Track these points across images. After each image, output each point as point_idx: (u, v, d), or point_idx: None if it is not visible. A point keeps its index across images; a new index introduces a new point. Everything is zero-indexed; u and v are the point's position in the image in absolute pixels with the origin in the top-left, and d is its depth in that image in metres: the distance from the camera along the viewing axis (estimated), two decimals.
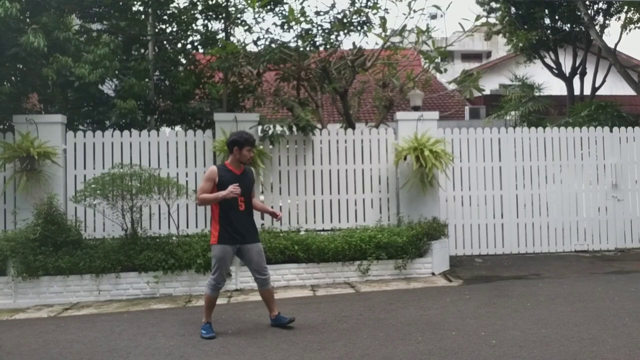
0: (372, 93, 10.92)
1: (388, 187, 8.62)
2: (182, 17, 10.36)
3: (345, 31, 9.03)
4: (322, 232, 7.96)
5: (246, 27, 9.82)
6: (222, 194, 5.00)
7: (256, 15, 9.18)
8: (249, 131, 5.96)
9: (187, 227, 8.07)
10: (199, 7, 10.30)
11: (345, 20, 8.97)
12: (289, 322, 5.30)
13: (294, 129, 8.35)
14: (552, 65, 16.74)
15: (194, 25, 10.55)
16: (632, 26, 15.38)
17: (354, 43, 9.63)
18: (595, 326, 5.11)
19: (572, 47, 16.58)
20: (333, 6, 9.02)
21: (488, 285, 7.05)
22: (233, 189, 4.98)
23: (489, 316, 5.57)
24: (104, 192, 6.96)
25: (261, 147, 8.03)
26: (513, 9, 15.97)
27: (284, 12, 9.14)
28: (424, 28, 9.08)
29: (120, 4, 9.45)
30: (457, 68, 22.59)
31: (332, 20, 8.99)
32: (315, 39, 8.93)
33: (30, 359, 4.71)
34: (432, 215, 8.17)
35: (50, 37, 7.54)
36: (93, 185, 7.07)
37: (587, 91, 16.40)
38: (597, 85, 16.27)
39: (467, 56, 29.21)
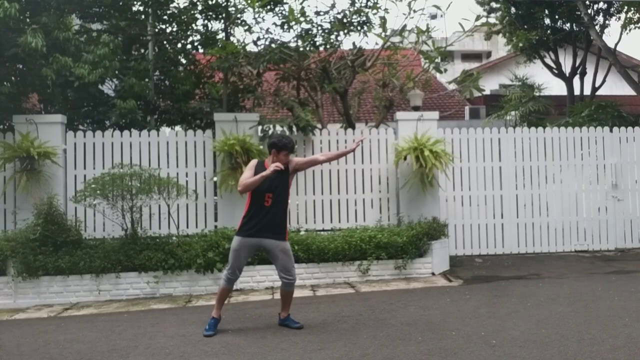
0: (372, 93, 10.92)
1: (388, 187, 8.62)
2: (182, 17, 10.37)
3: (345, 31, 9.03)
4: (322, 232, 7.96)
5: (246, 27, 9.84)
6: (264, 173, 5.04)
7: (256, 15, 9.20)
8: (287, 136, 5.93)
9: (187, 227, 8.06)
10: (199, 7, 10.30)
11: (345, 20, 8.97)
12: (296, 327, 5.29)
13: (294, 129, 8.34)
14: (552, 65, 16.73)
15: (194, 25, 10.56)
16: (632, 26, 15.36)
17: (354, 43, 9.64)
18: (595, 326, 5.10)
19: (572, 47, 16.57)
20: (333, 6, 9.02)
21: (488, 285, 7.04)
22: (275, 167, 5.04)
23: (489, 316, 5.56)
24: (104, 192, 6.96)
25: (261, 147, 8.03)
26: (513, 9, 15.95)
27: (284, 12, 9.15)
28: (424, 28, 9.08)
29: (120, 4, 9.46)
30: (457, 68, 22.57)
31: (332, 20, 8.99)
32: (315, 39, 8.93)
33: (30, 359, 4.71)
34: (432, 215, 8.17)
35: (50, 37, 7.54)
36: (93, 185, 7.06)
37: (587, 91, 16.39)
38: (597, 85, 16.26)
39: (467, 56, 29.18)
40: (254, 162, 5.37)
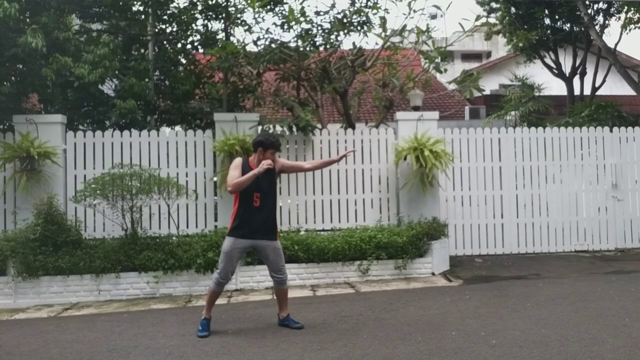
0: (372, 93, 10.91)
1: (388, 187, 8.62)
2: (182, 17, 10.37)
3: (345, 31, 9.03)
4: (322, 232, 7.96)
5: (246, 27, 9.85)
6: (255, 171, 5.00)
7: (256, 15, 9.20)
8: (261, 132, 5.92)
9: (187, 227, 8.06)
10: (199, 7, 10.30)
11: (345, 20, 8.97)
12: (296, 327, 5.28)
13: (294, 129, 8.35)
14: (552, 65, 16.73)
15: (194, 25, 10.56)
16: (632, 26, 15.37)
17: (354, 43, 9.63)
18: (595, 326, 5.11)
19: (572, 47, 16.58)
20: (333, 6, 9.02)
21: (488, 285, 7.05)
22: (267, 164, 5.00)
23: (489, 316, 5.57)
24: (104, 192, 6.96)
25: None
26: (513, 9, 15.96)
27: (284, 12, 9.15)
28: (424, 28, 9.08)
29: (120, 4, 9.46)
30: (457, 68, 22.59)
31: (332, 20, 8.99)
32: (315, 39, 8.93)
33: (30, 359, 4.71)
34: (432, 215, 8.17)
35: (50, 37, 7.54)
36: (93, 185, 7.07)
37: (587, 91, 16.40)
38: (597, 85, 16.27)
39: (467, 56, 29.20)
40: (239, 161, 5.27)
